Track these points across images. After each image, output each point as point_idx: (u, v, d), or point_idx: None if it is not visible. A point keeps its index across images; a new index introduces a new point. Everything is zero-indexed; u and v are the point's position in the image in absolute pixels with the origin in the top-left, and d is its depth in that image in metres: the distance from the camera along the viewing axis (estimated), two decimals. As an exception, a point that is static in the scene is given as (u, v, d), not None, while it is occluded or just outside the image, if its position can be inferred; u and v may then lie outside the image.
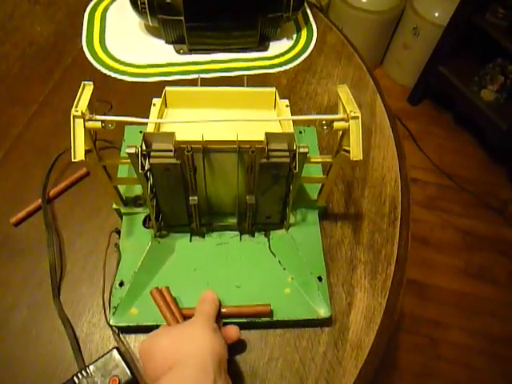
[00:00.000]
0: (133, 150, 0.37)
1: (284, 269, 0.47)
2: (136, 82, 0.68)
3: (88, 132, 0.37)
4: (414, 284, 1.24)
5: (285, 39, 0.76)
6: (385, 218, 0.55)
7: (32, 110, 0.63)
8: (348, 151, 0.39)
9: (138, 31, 0.75)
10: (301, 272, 0.47)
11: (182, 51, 0.72)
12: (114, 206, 0.49)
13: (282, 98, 0.48)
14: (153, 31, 0.75)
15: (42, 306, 0.46)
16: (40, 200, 0.52)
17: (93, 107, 0.38)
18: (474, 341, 1.16)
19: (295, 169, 0.40)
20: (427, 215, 1.36)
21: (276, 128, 0.45)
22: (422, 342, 1.16)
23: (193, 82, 0.54)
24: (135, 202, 0.50)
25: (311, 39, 0.77)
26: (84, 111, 0.35)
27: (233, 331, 0.42)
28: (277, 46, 0.75)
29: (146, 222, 0.49)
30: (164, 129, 0.43)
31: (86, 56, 0.71)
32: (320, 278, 0.47)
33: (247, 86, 0.48)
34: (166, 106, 0.47)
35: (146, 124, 0.41)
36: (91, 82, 0.38)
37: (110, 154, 0.56)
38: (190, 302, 0.45)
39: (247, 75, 0.69)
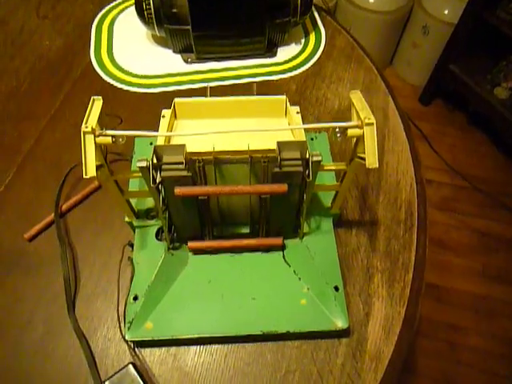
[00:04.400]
0: (143, 164, 0.37)
1: (299, 279, 0.47)
2: (145, 93, 0.68)
3: (99, 147, 0.36)
4: (430, 287, 1.22)
5: (293, 44, 0.76)
6: (401, 225, 0.53)
7: (43, 125, 0.64)
8: (363, 158, 0.38)
9: (145, 41, 0.75)
10: (316, 282, 0.46)
11: (189, 60, 0.72)
12: (127, 219, 0.49)
13: (292, 104, 0.47)
14: (160, 41, 0.75)
15: (58, 321, 0.46)
16: (53, 214, 0.53)
17: (103, 122, 0.37)
18: (493, 345, 1.13)
19: (308, 177, 0.39)
20: (442, 217, 1.34)
21: (287, 136, 0.45)
22: (441, 346, 1.13)
23: (202, 91, 0.53)
24: (147, 214, 0.49)
25: (320, 43, 0.76)
26: (94, 127, 0.35)
27: None
28: (285, 52, 0.74)
29: (158, 235, 0.49)
30: (174, 141, 0.43)
31: (95, 68, 0.71)
32: (336, 288, 0.46)
33: (256, 93, 0.48)
34: (176, 118, 0.46)
35: (154, 141, 0.41)
36: (100, 97, 0.38)
37: (121, 167, 0.56)
38: (205, 315, 0.44)
39: (256, 82, 0.68)
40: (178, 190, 0.38)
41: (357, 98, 0.39)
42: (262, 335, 0.43)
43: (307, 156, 0.38)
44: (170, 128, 0.45)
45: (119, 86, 0.69)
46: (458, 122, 1.62)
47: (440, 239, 1.31)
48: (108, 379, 0.41)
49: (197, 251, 0.48)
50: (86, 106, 0.37)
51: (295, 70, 0.72)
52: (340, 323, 0.44)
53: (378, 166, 0.36)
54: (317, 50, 0.75)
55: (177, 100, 0.45)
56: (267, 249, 0.49)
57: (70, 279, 0.48)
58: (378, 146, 0.60)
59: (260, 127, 0.46)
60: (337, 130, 0.37)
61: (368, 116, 0.36)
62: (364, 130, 0.36)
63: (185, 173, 0.38)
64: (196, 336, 0.43)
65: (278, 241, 0.46)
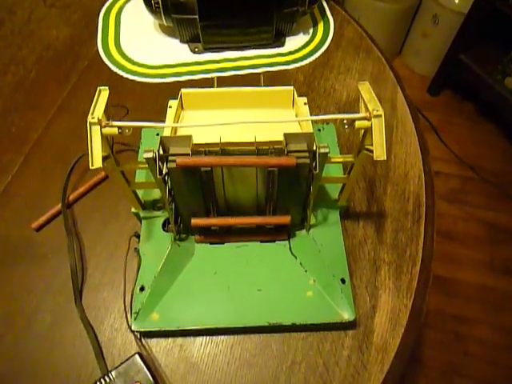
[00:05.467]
0: (150, 155, 0.36)
1: (306, 271, 0.46)
2: (152, 83, 0.67)
3: (105, 138, 0.36)
4: (438, 279, 1.21)
5: (301, 34, 0.75)
6: (409, 217, 0.53)
7: (50, 115, 0.64)
8: (370, 150, 0.37)
9: (152, 31, 0.75)
10: (323, 274, 0.46)
11: (197, 50, 0.71)
12: (133, 210, 0.49)
13: (299, 94, 0.46)
14: (167, 31, 0.74)
15: (65, 311, 0.47)
16: (60, 205, 0.53)
17: (109, 112, 0.37)
18: (501, 337, 1.13)
19: (315, 169, 0.38)
20: (450, 209, 1.33)
21: (295, 127, 0.44)
22: (448, 338, 1.13)
23: (209, 82, 0.53)
24: (154, 205, 0.49)
25: (328, 33, 0.75)
26: (100, 117, 0.35)
27: None
28: (293, 42, 0.73)
29: (165, 226, 0.49)
30: (181, 132, 0.43)
31: (102, 58, 0.71)
32: (343, 280, 0.45)
33: (264, 84, 0.47)
34: (183, 108, 0.46)
35: (161, 132, 0.41)
36: (107, 87, 0.38)
37: (128, 157, 0.56)
38: (211, 306, 0.44)
39: (263, 73, 0.68)
40: (180, 160, 0.37)
41: (365, 89, 0.38)
42: (267, 327, 0.44)
43: (314, 148, 0.38)
44: (177, 119, 0.45)
45: (126, 76, 0.68)
46: (467, 112, 1.60)
47: (448, 231, 1.30)
48: (114, 369, 0.41)
49: (202, 240, 0.48)
50: (93, 96, 0.37)
51: (303, 60, 0.71)
52: (346, 315, 0.43)
53: (385, 158, 0.36)
54: (325, 40, 0.74)
55: (183, 90, 0.44)
56: (273, 239, 0.48)
57: (77, 269, 0.49)
58: (386, 137, 0.59)
59: (267, 118, 0.45)
60: (344, 121, 0.37)
61: (376, 108, 0.36)
62: (372, 122, 0.35)
63: (191, 164, 0.38)
64: (202, 327, 0.43)
65: (285, 219, 0.45)
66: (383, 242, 0.51)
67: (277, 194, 0.43)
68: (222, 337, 0.45)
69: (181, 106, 0.46)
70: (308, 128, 0.42)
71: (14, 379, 0.43)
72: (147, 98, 0.65)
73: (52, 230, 0.52)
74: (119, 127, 0.36)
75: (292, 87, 0.46)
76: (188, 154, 0.38)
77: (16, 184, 0.56)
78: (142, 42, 0.73)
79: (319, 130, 0.57)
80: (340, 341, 0.44)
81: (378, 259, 0.50)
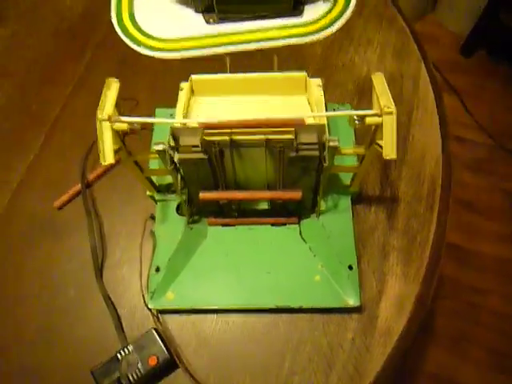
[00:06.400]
0: (161, 148, 0.37)
1: (314, 256, 0.48)
2: (166, 59, 0.66)
3: (116, 132, 0.37)
4: (455, 248, 1.21)
5: (321, 2, 0.71)
6: (422, 202, 0.52)
7: (67, 92, 0.64)
8: (381, 146, 0.37)
9: (166, 1, 0.72)
10: (331, 260, 0.47)
11: (211, 21, 0.69)
12: (148, 193, 0.50)
13: (315, 70, 0.45)
14: (182, 1, 0.71)
15: (87, 286, 0.50)
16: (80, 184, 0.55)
17: (119, 106, 0.38)
18: (514, 308, 1.13)
19: (325, 161, 0.38)
20: (474, 178, 1.29)
21: (306, 110, 0.44)
22: (461, 307, 1.14)
23: (223, 58, 0.52)
24: (168, 189, 0.51)
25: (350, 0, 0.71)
26: (110, 113, 0.35)
27: None
28: (312, 11, 0.69)
29: (178, 209, 0.50)
30: (191, 116, 0.43)
31: (116, 31, 0.69)
32: (350, 267, 0.46)
33: (278, 57, 0.46)
34: (193, 93, 0.46)
35: (174, 112, 0.41)
36: (117, 79, 0.38)
37: (142, 136, 0.57)
38: (222, 287, 0.46)
39: (279, 47, 0.65)
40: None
41: (379, 82, 0.37)
42: (275, 309, 0.45)
43: (324, 140, 0.37)
44: (188, 104, 0.45)
45: (141, 50, 0.67)
46: (502, 76, 1.49)
47: (469, 201, 1.27)
48: (133, 342, 0.45)
49: (215, 222, 0.49)
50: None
51: (322, 30, 0.67)
52: (352, 301, 0.45)
53: (395, 157, 0.35)
54: (346, 8, 0.69)
55: (193, 77, 0.44)
56: (284, 222, 0.49)
57: (97, 248, 0.51)
58: (406, 117, 0.57)
59: (278, 105, 0.45)
60: (355, 117, 0.36)
61: (388, 104, 0.35)
62: (383, 119, 0.35)
63: (201, 155, 0.39)
64: (213, 307, 0.46)
65: (296, 194, 0.44)
66: (394, 228, 0.51)
67: (287, 182, 0.43)
68: (233, 315, 0.47)
69: (191, 91, 0.45)
70: (321, 111, 0.41)
71: (42, 347, 0.47)
72: (161, 74, 0.64)
73: (74, 208, 0.55)
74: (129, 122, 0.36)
75: (305, 73, 0.45)
76: (198, 146, 0.38)
77: (38, 162, 0.58)
78: (156, 13, 0.71)
79: (334, 110, 0.56)
80: (345, 323, 0.46)
81: (387, 245, 0.50)
